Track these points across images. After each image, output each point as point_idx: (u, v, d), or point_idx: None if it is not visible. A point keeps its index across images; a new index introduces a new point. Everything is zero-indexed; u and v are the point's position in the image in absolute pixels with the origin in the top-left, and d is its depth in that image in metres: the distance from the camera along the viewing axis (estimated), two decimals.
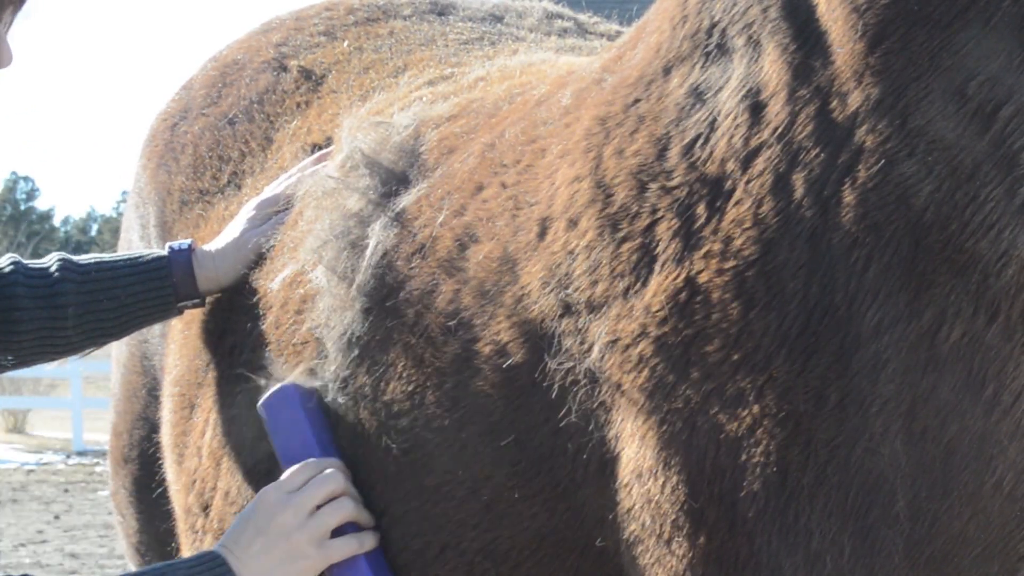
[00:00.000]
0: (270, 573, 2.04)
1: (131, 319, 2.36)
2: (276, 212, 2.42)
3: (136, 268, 2.33)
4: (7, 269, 2.27)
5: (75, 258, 2.34)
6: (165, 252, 2.38)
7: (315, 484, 2.09)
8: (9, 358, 2.26)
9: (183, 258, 2.36)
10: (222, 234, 2.45)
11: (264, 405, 2.20)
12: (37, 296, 2.25)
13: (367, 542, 2.09)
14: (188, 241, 2.42)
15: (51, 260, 2.32)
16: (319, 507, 2.08)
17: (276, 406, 2.17)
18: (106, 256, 2.39)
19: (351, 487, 2.11)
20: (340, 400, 2.16)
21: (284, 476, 2.12)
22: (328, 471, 2.10)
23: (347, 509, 2.09)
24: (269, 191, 2.48)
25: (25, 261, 2.31)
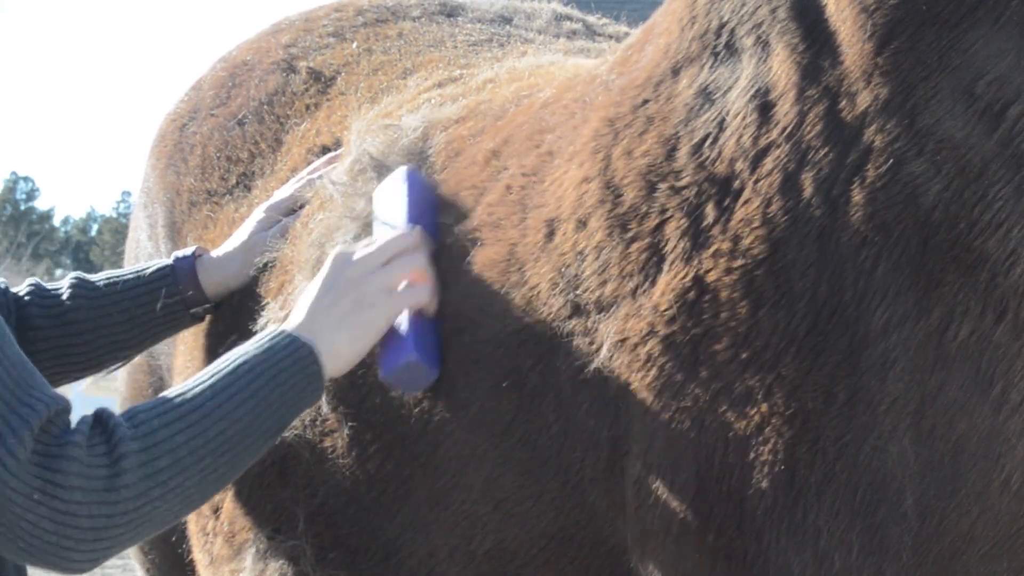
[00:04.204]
0: (339, 325, 1.99)
1: (146, 331, 2.37)
2: (286, 215, 2.42)
3: (141, 281, 2.35)
4: (25, 296, 2.30)
5: (89, 277, 2.36)
6: (170, 261, 2.38)
7: (388, 242, 2.06)
8: None
9: (187, 265, 2.37)
10: (231, 238, 2.46)
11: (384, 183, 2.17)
12: (49, 315, 2.28)
13: (432, 300, 2.05)
14: (192, 249, 2.42)
15: (66, 281, 2.33)
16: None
17: (386, 181, 2.15)
18: (117, 272, 2.40)
19: (426, 251, 2.07)
20: (348, 400, 2.16)
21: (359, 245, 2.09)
22: (403, 232, 2.07)
23: (418, 263, 2.05)
24: (279, 194, 2.48)
25: (45, 284, 2.33)
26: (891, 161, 1.70)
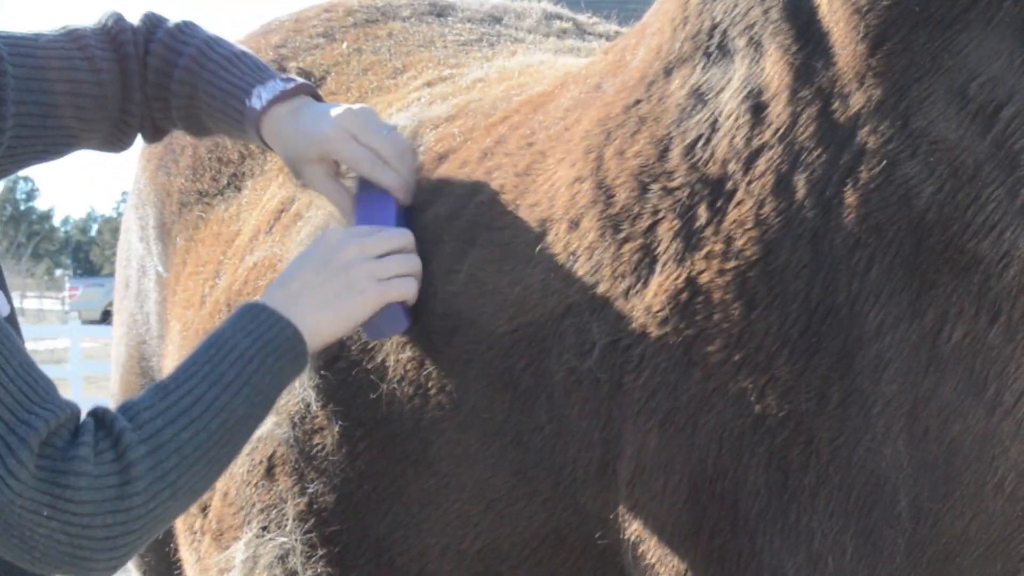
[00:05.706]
0: (326, 306, 1.98)
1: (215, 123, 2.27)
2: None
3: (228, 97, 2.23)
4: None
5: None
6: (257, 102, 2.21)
7: (385, 234, 2.04)
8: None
9: (254, 115, 2.20)
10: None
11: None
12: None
13: (415, 291, 2.06)
14: (291, 85, 2.21)
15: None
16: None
17: (367, 189, 2.14)
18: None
19: (417, 256, 2.07)
20: (338, 398, 2.16)
21: (353, 228, 2.07)
22: (400, 230, 2.06)
23: (412, 264, 2.05)
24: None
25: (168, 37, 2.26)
26: (884, 163, 1.69)
